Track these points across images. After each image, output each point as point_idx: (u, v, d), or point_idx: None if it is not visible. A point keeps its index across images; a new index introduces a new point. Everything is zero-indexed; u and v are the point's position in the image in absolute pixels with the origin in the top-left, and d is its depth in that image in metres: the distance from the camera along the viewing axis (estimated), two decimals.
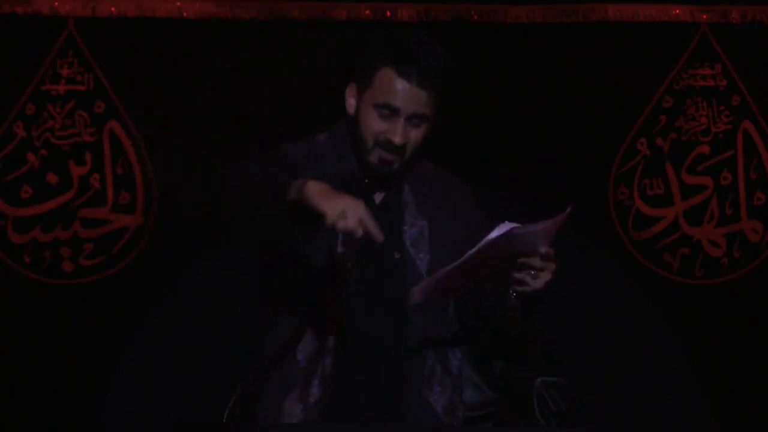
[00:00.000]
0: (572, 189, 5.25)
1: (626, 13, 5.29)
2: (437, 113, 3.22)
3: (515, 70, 5.25)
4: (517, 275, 3.02)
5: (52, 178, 5.15)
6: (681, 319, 5.28)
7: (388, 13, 5.20)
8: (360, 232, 2.88)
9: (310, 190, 2.91)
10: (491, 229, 3.02)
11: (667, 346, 5.26)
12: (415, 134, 3.18)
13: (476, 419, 3.27)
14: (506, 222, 2.95)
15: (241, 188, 3.04)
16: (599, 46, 5.28)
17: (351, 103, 3.23)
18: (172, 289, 5.07)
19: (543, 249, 3.00)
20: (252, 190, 3.00)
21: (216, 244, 5.04)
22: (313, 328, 3.14)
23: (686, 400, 5.25)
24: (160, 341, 5.07)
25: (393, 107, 3.14)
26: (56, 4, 5.13)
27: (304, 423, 3.12)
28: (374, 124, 3.16)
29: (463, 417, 3.23)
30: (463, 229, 3.23)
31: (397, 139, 3.15)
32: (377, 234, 2.90)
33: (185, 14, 5.17)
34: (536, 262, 3.01)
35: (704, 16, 5.32)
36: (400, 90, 3.14)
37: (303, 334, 3.14)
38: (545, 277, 3.04)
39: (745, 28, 5.32)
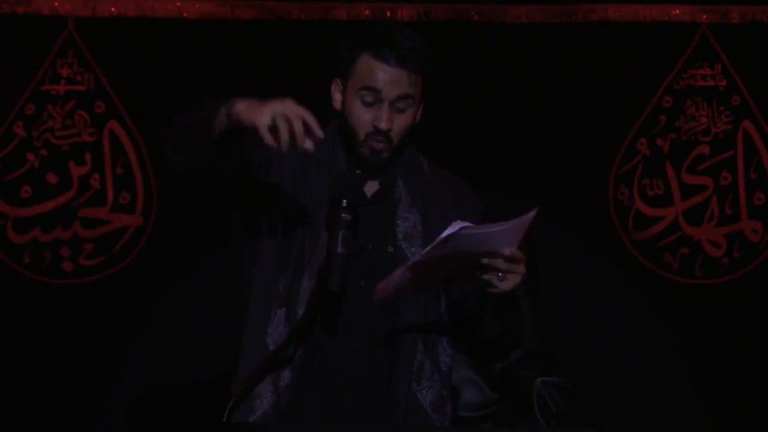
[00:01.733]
0: (572, 189, 5.25)
1: (626, 13, 5.29)
2: (424, 96, 3.22)
3: (515, 70, 5.25)
4: (484, 276, 3.00)
5: (52, 178, 5.15)
6: (681, 319, 5.28)
7: (388, 13, 5.20)
8: (300, 127, 2.90)
9: (237, 108, 3.00)
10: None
11: (667, 346, 5.26)
12: (401, 120, 3.18)
13: (476, 419, 3.26)
14: (458, 221, 2.94)
15: (173, 127, 3.15)
16: (599, 46, 5.29)
17: (337, 98, 3.25)
18: (172, 289, 5.07)
19: (506, 251, 2.96)
20: (183, 124, 3.13)
21: (216, 244, 5.04)
22: (284, 313, 3.14)
23: (686, 400, 5.25)
24: (160, 341, 5.08)
25: (375, 89, 3.15)
26: (56, 4, 5.13)
27: (278, 413, 3.12)
28: (360, 113, 3.17)
29: (451, 413, 3.23)
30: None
31: (383, 125, 3.15)
32: (317, 129, 2.93)
33: (185, 14, 5.17)
34: (500, 263, 2.96)
35: (704, 16, 5.33)
36: (380, 72, 3.15)
37: (304, 335, 3.14)
38: (513, 279, 2.99)
39: (745, 28, 5.33)
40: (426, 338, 3.20)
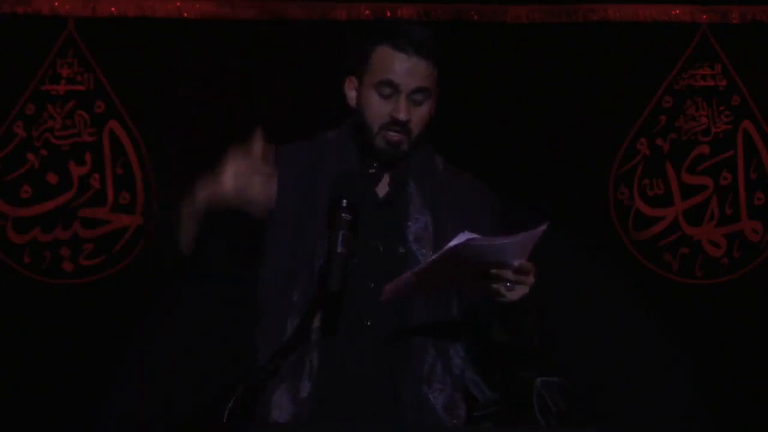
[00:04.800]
0: (572, 189, 5.25)
1: (626, 13, 5.29)
2: (437, 89, 3.22)
3: (515, 70, 5.25)
4: (493, 286, 3.01)
5: (52, 178, 5.15)
6: (681, 319, 5.28)
7: (388, 13, 5.20)
8: (236, 192, 2.98)
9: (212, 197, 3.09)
10: (506, 226, 3.04)
11: (667, 346, 5.26)
12: (419, 113, 3.17)
13: (476, 419, 3.27)
14: (465, 232, 2.94)
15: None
16: (599, 46, 5.28)
17: (351, 96, 3.23)
18: (172, 289, 5.07)
19: (515, 263, 2.97)
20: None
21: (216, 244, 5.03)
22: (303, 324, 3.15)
23: (686, 400, 5.25)
24: (160, 341, 5.07)
25: (393, 83, 3.14)
26: (56, 4, 5.13)
27: (298, 420, 3.12)
28: (377, 106, 3.16)
29: (466, 416, 3.23)
30: (471, 225, 3.22)
31: (402, 116, 3.14)
32: (260, 195, 3.00)
33: (185, 14, 5.17)
34: (508, 274, 2.98)
35: (704, 16, 5.33)
36: (399, 63, 3.14)
37: (305, 334, 3.14)
38: (521, 290, 3.01)
39: (745, 28, 5.33)
40: (437, 340, 3.20)
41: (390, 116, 3.14)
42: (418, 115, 3.17)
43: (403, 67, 3.14)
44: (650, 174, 5.34)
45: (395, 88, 3.14)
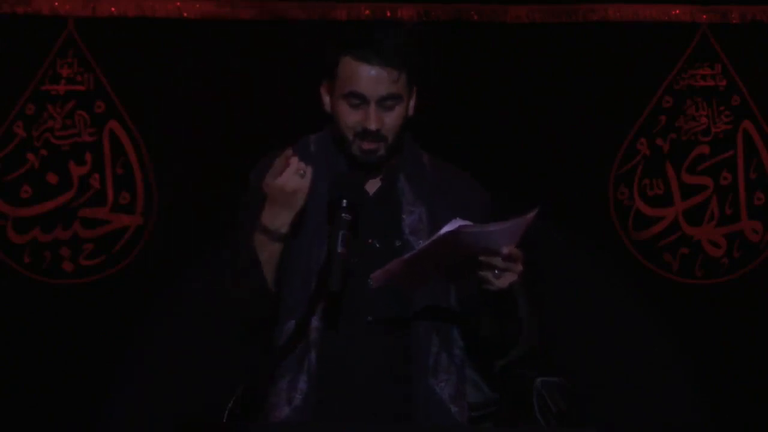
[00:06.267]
0: (572, 189, 5.25)
1: (626, 13, 5.29)
2: (412, 90, 3.22)
3: (515, 70, 5.25)
4: (481, 273, 3.01)
5: (52, 178, 5.15)
6: (681, 319, 5.28)
7: (388, 13, 5.20)
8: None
9: (266, 224, 3.12)
10: (498, 217, 3.05)
11: (667, 346, 5.26)
12: (391, 117, 3.18)
13: (476, 419, 3.27)
14: (457, 219, 2.95)
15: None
16: (599, 46, 5.28)
17: (326, 101, 3.25)
18: (172, 289, 5.07)
19: (505, 250, 2.98)
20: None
21: (216, 244, 5.03)
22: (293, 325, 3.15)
23: (686, 400, 5.25)
24: (160, 341, 5.07)
25: (359, 94, 3.15)
26: (56, 4, 5.13)
27: (300, 420, 3.12)
28: (348, 116, 3.18)
29: (468, 406, 3.23)
30: (463, 215, 3.23)
31: (372, 126, 3.15)
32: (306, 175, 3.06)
33: (185, 14, 5.17)
34: (498, 261, 2.99)
35: (704, 16, 5.33)
36: (363, 75, 3.15)
37: (302, 336, 3.14)
38: (509, 277, 3.02)
39: (745, 28, 5.33)
40: (440, 331, 3.20)
41: (361, 126, 3.15)
42: (391, 120, 3.18)
43: (367, 77, 3.14)
44: (650, 174, 5.34)
45: (362, 98, 3.15)
